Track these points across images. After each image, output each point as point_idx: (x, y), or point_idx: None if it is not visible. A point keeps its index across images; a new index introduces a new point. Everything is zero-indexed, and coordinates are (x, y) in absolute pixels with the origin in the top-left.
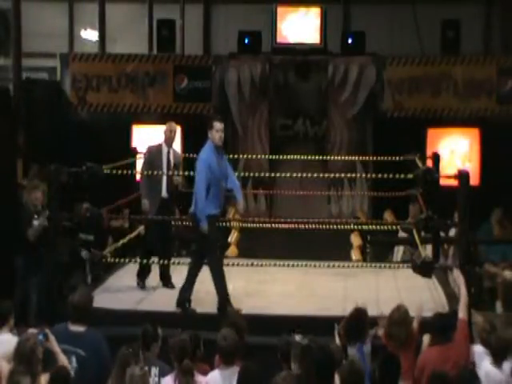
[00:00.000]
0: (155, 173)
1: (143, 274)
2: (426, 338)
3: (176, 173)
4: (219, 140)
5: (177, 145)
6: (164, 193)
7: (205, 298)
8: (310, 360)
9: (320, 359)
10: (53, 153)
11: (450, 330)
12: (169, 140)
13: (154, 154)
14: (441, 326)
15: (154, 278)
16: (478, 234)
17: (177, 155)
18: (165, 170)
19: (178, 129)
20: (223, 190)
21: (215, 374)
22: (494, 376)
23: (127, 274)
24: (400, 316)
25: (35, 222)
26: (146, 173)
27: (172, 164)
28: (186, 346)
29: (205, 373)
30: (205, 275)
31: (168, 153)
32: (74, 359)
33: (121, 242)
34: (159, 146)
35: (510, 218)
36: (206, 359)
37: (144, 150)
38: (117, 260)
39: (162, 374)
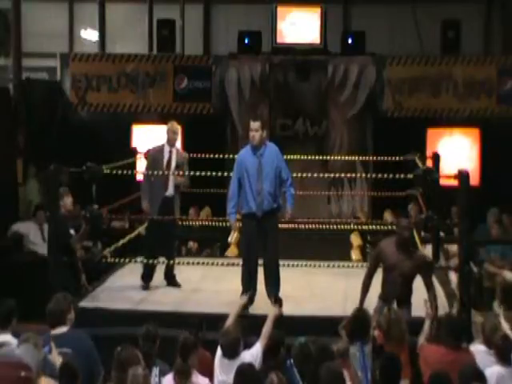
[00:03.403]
0: (156, 173)
1: (148, 276)
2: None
3: (176, 172)
4: (252, 139)
5: (177, 145)
6: (166, 192)
7: (207, 298)
8: (311, 361)
9: (322, 360)
10: (53, 153)
11: (461, 332)
12: (171, 140)
13: (155, 155)
14: (452, 327)
15: (156, 278)
16: (475, 234)
17: (180, 155)
18: (164, 168)
19: (178, 128)
20: (261, 190)
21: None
22: (508, 376)
23: (127, 274)
24: (395, 316)
25: (72, 231)
26: (146, 174)
27: (173, 163)
28: (189, 343)
29: (206, 362)
30: (214, 274)
31: (170, 152)
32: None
33: (121, 242)
34: (161, 147)
35: (509, 218)
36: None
37: (144, 150)
38: (117, 260)
39: (162, 374)
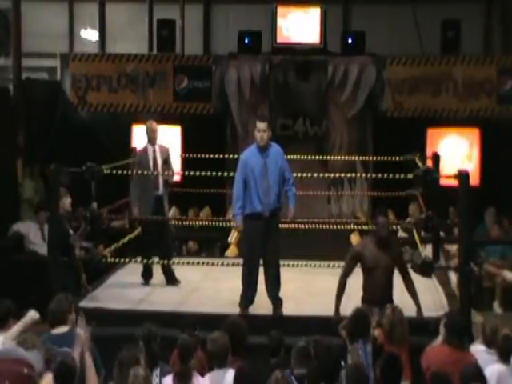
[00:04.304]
0: (145, 173)
1: (147, 273)
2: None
3: (166, 172)
4: (260, 140)
5: (177, 145)
6: (157, 191)
7: (207, 298)
8: (314, 361)
9: (325, 360)
10: (53, 153)
11: (464, 331)
12: (151, 139)
13: (140, 157)
14: (457, 325)
15: (156, 277)
16: (474, 234)
17: (163, 150)
18: (152, 168)
19: (178, 129)
20: (268, 190)
21: (205, 379)
22: (509, 374)
23: (127, 274)
24: (398, 316)
25: (71, 231)
26: (135, 176)
27: (159, 161)
28: (188, 344)
29: (203, 363)
30: (214, 274)
31: (153, 151)
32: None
33: (121, 242)
34: (145, 148)
35: (509, 217)
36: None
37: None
38: (117, 260)
39: (162, 375)
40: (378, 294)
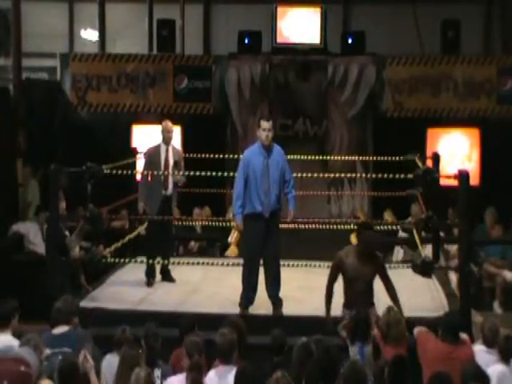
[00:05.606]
0: (155, 173)
1: (151, 273)
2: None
3: (176, 171)
4: (265, 139)
5: (177, 145)
6: (165, 191)
7: (207, 298)
8: (313, 361)
9: (322, 360)
10: (53, 153)
11: (459, 329)
12: (166, 139)
13: (152, 154)
14: (451, 323)
15: (156, 277)
16: (474, 234)
17: (176, 152)
18: (162, 168)
19: (178, 129)
20: (268, 190)
21: (211, 374)
22: (510, 375)
23: (127, 274)
24: (394, 317)
25: (67, 232)
26: (144, 174)
27: (171, 162)
28: (198, 343)
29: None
30: (214, 274)
31: (166, 151)
32: (59, 358)
33: (120, 242)
34: (158, 147)
35: (508, 217)
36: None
37: (144, 150)
38: (117, 260)
39: (163, 375)
40: (358, 301)
